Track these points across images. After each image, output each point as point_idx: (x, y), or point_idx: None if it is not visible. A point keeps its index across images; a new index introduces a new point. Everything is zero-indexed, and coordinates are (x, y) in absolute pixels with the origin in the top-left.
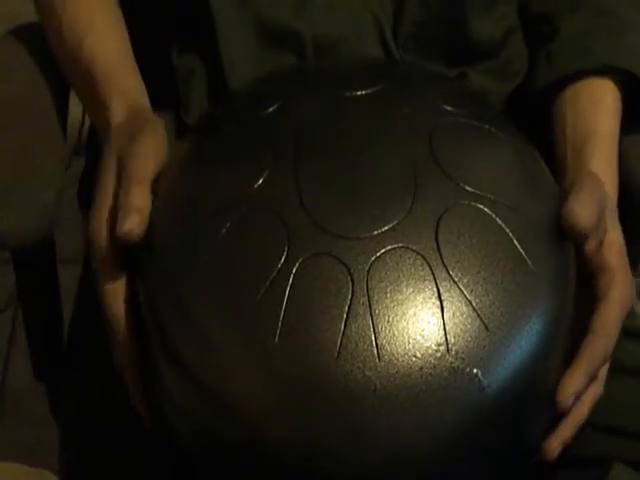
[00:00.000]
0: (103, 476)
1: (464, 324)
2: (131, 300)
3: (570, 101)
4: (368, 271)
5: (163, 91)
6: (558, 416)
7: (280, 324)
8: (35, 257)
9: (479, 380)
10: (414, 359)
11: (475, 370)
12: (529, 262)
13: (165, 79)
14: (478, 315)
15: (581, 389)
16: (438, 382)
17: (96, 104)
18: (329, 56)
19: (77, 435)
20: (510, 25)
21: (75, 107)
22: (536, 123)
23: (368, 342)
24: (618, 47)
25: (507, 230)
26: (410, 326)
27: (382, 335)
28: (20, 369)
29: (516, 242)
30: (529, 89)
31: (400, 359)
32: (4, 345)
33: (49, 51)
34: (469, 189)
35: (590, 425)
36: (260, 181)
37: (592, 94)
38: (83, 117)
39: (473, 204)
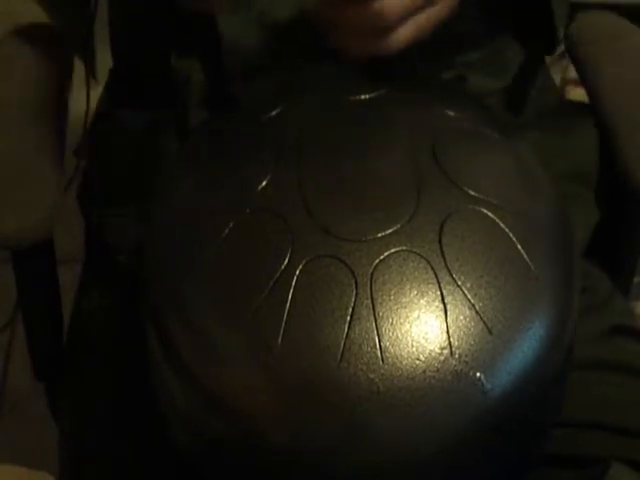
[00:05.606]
0: (103, 476)
1: (467, 327)
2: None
3: None
4: (372, 274)
5: (163, 93)
6: None
7: (283, 326)
8: (35, 257)
9: (482, 384)
10: (417, 362)
11: (478, 374)
12: (532, 266)
13: (165, 81)
14: (481, 319)
15: None
16: (441, 385)
17: None
18: (329, 56)
19: (77, 435)
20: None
21: (76, 107)
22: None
23: (372, 344)
24: None
25: (510, 234)
26: (414, 329)
27: (386, 337)
28: (20, 369)
29: (519, 246)
30: None
31: (403, 362)
32: (4, 345)
33: (49, 51)
34: (472, 193)
35: (589, 425)
36: (263, 183)
37: None
38: (86, 117)
39: (476, 208)
